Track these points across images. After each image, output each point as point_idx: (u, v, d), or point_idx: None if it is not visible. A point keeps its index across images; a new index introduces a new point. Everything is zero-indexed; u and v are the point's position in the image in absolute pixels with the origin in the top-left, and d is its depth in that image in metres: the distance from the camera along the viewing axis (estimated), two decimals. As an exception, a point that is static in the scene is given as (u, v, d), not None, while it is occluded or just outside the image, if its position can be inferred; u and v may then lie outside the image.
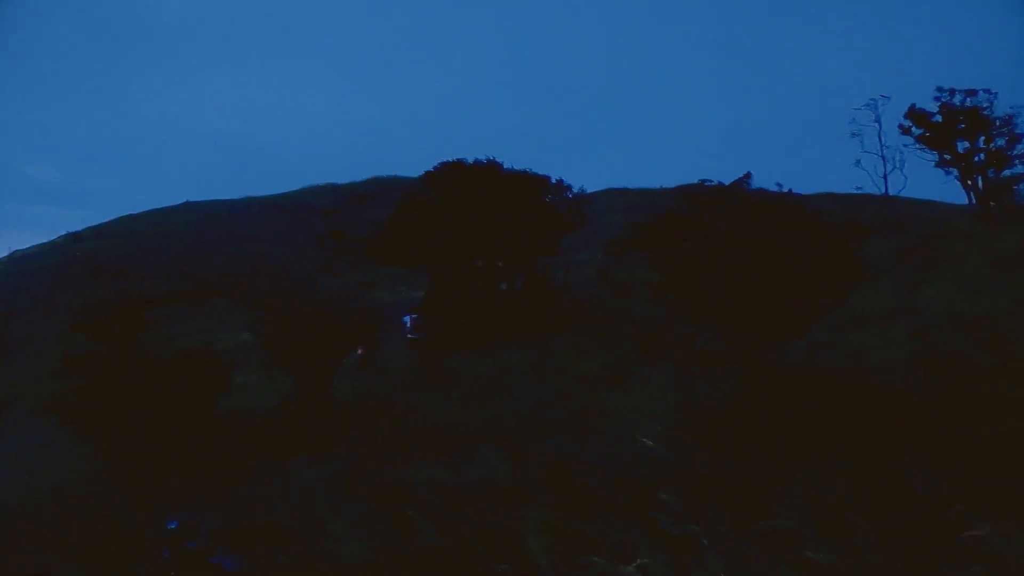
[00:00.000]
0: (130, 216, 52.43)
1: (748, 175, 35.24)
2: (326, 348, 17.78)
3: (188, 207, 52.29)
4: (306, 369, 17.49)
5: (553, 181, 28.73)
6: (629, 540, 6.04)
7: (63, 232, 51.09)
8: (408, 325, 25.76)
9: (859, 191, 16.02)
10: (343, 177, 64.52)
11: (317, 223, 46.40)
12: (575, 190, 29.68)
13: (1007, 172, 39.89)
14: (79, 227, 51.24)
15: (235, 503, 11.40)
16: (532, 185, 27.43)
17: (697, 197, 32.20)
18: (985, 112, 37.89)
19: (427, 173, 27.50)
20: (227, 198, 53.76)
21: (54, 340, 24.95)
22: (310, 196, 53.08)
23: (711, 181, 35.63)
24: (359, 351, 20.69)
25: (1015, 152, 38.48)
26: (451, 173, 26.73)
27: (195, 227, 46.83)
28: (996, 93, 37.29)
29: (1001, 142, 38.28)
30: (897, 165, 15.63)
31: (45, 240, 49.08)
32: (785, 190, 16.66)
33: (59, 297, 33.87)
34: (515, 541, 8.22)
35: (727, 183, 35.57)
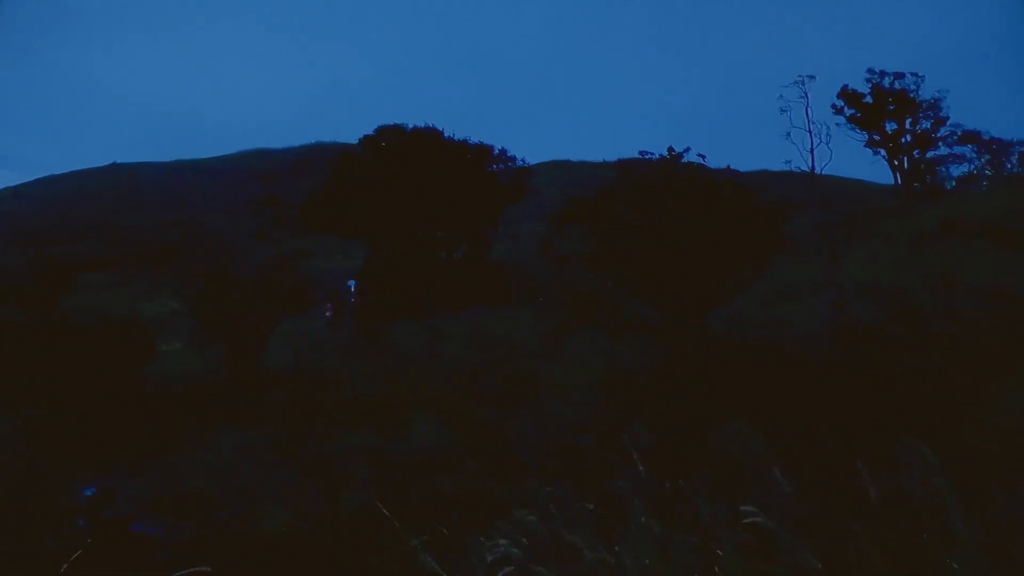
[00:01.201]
0: (51, 177, 50.07)
1: (686, 150, 35.77)
2: (257, 316, 17.42)
3: (114, 169, 50.16)
4: (236, 337, 17.11)
5: (496, 151, 28.58)
6: (556, 499, 6.15)
7: (-23, 193, 48.42)
8: (352, 288, 25.50)
9: (788, 164, 16.52)
10: (279, 144, 62.81)
11: (252, 189, 45.14)
12: (518, 161, 29.61)
13: (931, 154, 41.57)
14: (-5, 188, 48.65)
15: (158, 472, 11.15)
16: (474, 154, 27.25)
17: (635, 170, 32.53)
18: (912, 95, 39.28)
19: (365, 137, 27.01)
20: (156, 160, 51.78)
21: (-33, 306, 23.71)
22: (244, 161, 51.52)
23: (650, 154, 36.07)
24: (328, 310, 20.43)
25: (939, 134, 40.12)
26: (390, 138, 26.30)
27: (122, 190, 44.99)
28: (923, 76, 38.70)
29: (926, 124, 39.83)
30: (823, 140, 16.11)
31: (-43, 201, 46.51)
32: (717, 166, 17.05)
33: (-27, 261, 32.19)
34: (441, 508, 8.29)
35: (666, 156, 36.06)
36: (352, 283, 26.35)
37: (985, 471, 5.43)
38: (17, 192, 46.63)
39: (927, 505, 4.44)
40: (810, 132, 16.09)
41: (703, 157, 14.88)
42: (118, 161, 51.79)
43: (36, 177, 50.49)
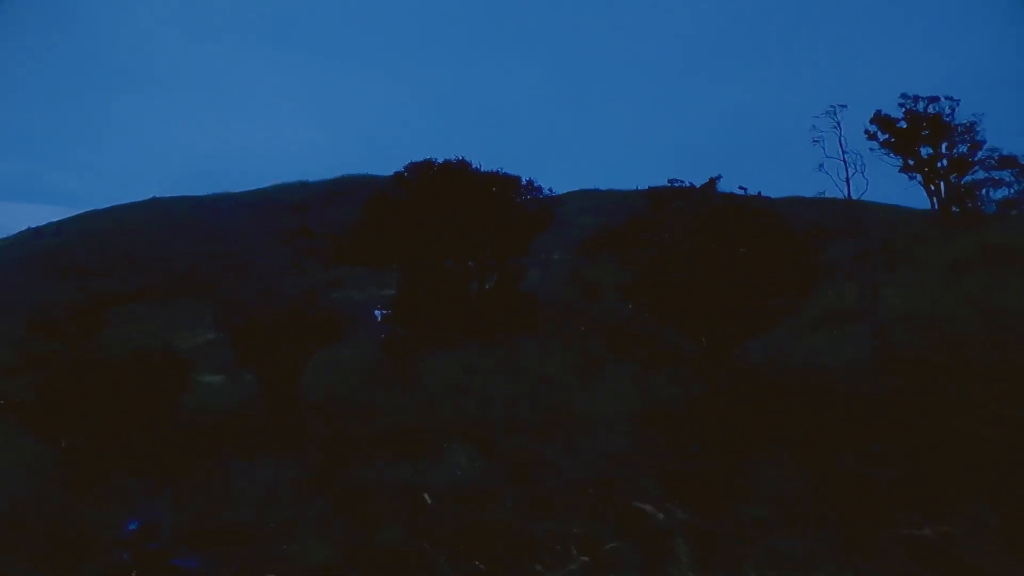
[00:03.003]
0: (93, 212, 51.38)
1: (717, 177, 35.64)
2: (292, 347, 17.57)
3: (153, 204, 51.35)
4: (272, 368, 17.27)
5: (524, 182, 28.73)
6: (596, 534, 6.07)
7: (23, 228, 49.89)
8: (379, 319, 25.69)
9: (822, 195, 16.40)
10: (314, 176, 63.91)
11: (285, 220, 45.85)
12: (545, 191, 29.71)
13: (968, 178, 40.87)
14: (41, 223, 50.04)
15: (197, 503, 11.22)
16: (502, 185, 27.42)
17: (665, 198, 32.46)
18: (947, 119, 38.79)
19: (396, 174, 27.34)
20: (194, 194, 52.92)
21: (12, 339, 24.32)
22: (278, 193, 52.44)
23: (680, 182, 35.98)
24: (382, 313, 20.69)
25: (976, 158, 39.47)
26: (421, 172, 26.59)
27: (160, 224, 46.01)
28: (958, 100, 38.22)
29: (963, 148, 39.23)
30: (859, 169, 15.95)
31: (4, 235, 47.92)
32: (751, 193, 16.95)
33: (17, 295, 33.06)
34: (481, 541, 8.21)
35: (696, 185, 35.94)
36: (379, 313, 26.55)
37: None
38: (60, 228, 47.91)
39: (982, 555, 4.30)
40: (844, 161, 15.94)
41: (744, 189, 14.80)
42: (158, 196, 53.05)
43: (78, 212, 51.89)
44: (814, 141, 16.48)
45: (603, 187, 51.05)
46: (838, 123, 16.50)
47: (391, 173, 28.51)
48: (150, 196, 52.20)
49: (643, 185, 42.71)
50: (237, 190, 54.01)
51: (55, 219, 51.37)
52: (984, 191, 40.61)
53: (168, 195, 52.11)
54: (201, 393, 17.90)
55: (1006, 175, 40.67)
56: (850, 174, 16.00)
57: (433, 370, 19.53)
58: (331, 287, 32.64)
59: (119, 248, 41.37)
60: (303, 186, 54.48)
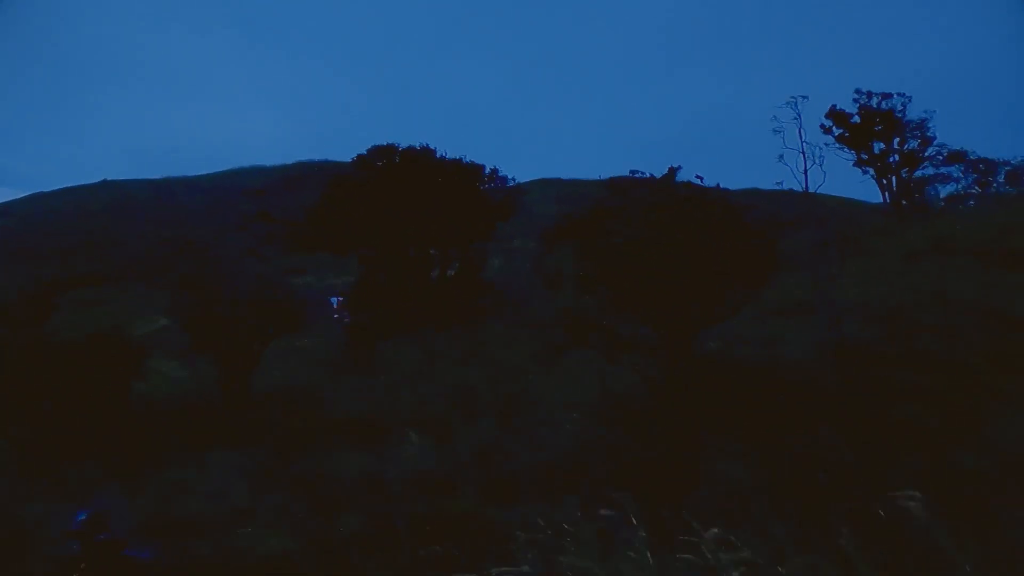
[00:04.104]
0: (42, 194, 49.79)
1: (677, 168, 36.01)
2: (249, 334, 17.31)
3: (105, 186, 49.95)
4: (228, 356, 16.99)
5: (487, 170, 28.70)
6: (554, 520, 6.12)
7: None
8: (335, 305, 25.48)
9: (779, 186, 16.71)
10: (271, 161, 62.83)
11: (243, 206, 45.04)
12: (508, 180, 29.74)
13: (919, 173, 42.05)
14: (-15, 204, 48.26)
15: (149, 493, 11.01)
16: (465, 173, 27.34)
17: (626, 188, 32.69)
18: (899, 115, 39.79)
19: (359, 156, 27.06)
20: (148, 177, 51.60)
21: (-46, 323, 23.46)
22: (236, 178, 51.43)
23: (641, 173, 36.28)
24: (339, 300, 20.59)
25: (926, 154, 40.60)
26: (383, 157, 26.36)
27: (113, 207, 44.81)
28: (910, 97, 39.24)
29: (914, 144, 40.31)
30: (817, 161, 16.27)
31: (-53, 217, 46.06)
32: (709, 184, 17.16)
33: (-39, 278, 31.95)
34: (440, 527, 8.21)
35: (656, 176, 36.26)
36: (335, 300, 26.36)
37: (985, 497, 5.44)
38: (7, 209, 46.33)
39: (924, 529, 4.43)
40: (803, 153, 16.23)
41: (700, 178, 14.92)
42: (109, 178, 51.60)
43: (27, 194, 50.22)
44: (775, 131, 16.74)
45: (567, 177, 51.19)
46: (799, 114, 16.78)
47: (352, 159, 28.23)
48: (100, 179, 50.77)
49: (606, 175, 43.01)
50: (191, 173, 52.89)
51: (2, 201, 49.64)
52: (933, 187, 41.89)
53: (119, 178, 50.74)
54: (154, 381, 17.55)
55: (954, 170, 42.01)
56: (808, 166, 16.30)
57: (393, 358, 19.43)
58: (291, 273, 32.24)
59: (70, 231, 40.22)
60: (260, 171, 53.55)
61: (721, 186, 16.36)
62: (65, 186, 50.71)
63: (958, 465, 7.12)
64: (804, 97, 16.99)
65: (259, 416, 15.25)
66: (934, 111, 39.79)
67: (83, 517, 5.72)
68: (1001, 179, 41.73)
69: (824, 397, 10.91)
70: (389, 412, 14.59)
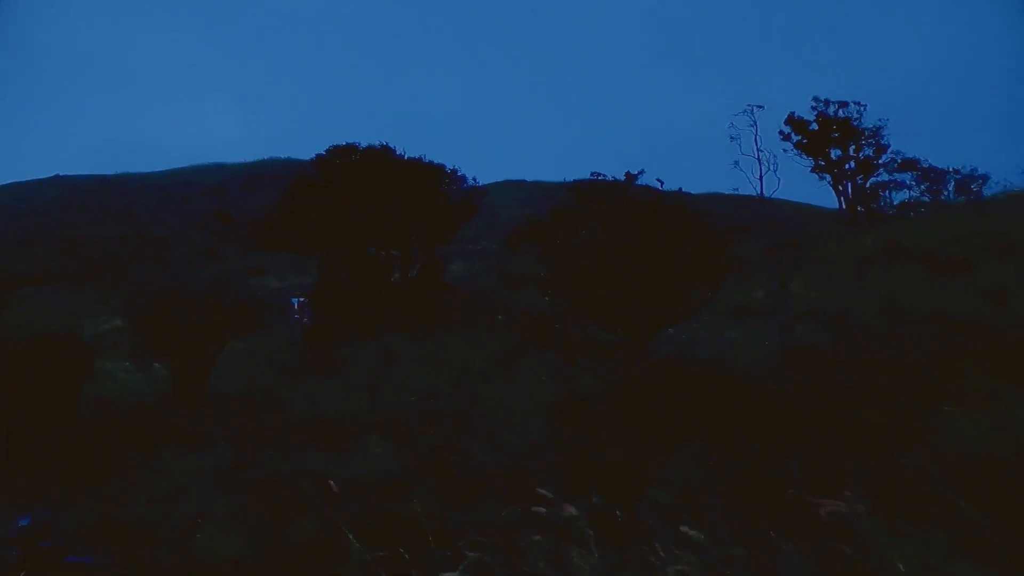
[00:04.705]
0: (-11, 188, 48.20)
1: (639, 172, 36.49)
2: (205, 334, 17.01)
3: (57, 181, 48.56)
4: (182, 358, 16.68)
5: (448, 170, 28.66)
6: (508, 522, 6.14)
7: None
8: (295, 307, 25.20)
9: (736, 191, 17.18)
10: (232, 159, 61.73)
11: (202, 203, 44.24)
12: (470, 181, 29.75)
13: (873, 179, 43.24)
14: (-71, 198, 46.50)
15: (97, 499, 10.75)
16: (427, 173, 27.25)
17: (588, 192, 32.97)
18: (855, 123, 40.87)
19: (318, 156, 26.79)
20: (103, 173, 50.32)
21: None
22: (194, 175, 50.46)
23: (602, 175, 36.67)
24: (299, 301, 20.42)
25: (880, 161, 41.79)
26: (343, 156, 26.14)
27: (65, 203, 43.61)
28: (865, 106, 40.35)
29: (868, 151, 41.44)
30: (772, 168, 16.73)
31: None
32: (670, 189, 17.50)
33: (-98, 275, 30.83)
34: (395, 529, 8.17)
35: (618, 179, 36.67)
36: (295, 300, 26.09)
37: (924, 497, 5.62)
38: (-48, 203, 44.76)
39: (866, 530, 4.57)
40: (759, 160, 16.61)
41: (661, 182, 15.24)
42: (61, 173, 50.20)
43: (-28, 188, 48.47)
44: (731, 139, 17.14)
45: (531, 179, 51.35)
46: (755, 122, 17.18)
47: (313, 156, 27.94)
48: (52, 174, 49.39)
49: (571, 177, 43.32)
50: (150, 170, 51.72)
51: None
52: (887, 193, 43.14)
53: (73, 173, 49.41)
54: (106, 383, 17.14)
55: (907, 178, 43.32)
56: (763, 172, 16.70)
57: (352, 360, 19.28)
58: (250, 274, 31.76)
59: (20, 227, 39.03)
60: (221, 168, 52.63)
61: (682, 190, 16.61)
62: (13, 181, 49.21)
63: (902, 466, 7.34)
64: (760, 106, 17.44)
65: (215, 418, 14.98)
66: (887, 119, 41.01)
67: (25, 523, 5.59)
68: (951, 188, 43.14)
69: (777, 400, 11.14)
70: (348, 414, 14.47)
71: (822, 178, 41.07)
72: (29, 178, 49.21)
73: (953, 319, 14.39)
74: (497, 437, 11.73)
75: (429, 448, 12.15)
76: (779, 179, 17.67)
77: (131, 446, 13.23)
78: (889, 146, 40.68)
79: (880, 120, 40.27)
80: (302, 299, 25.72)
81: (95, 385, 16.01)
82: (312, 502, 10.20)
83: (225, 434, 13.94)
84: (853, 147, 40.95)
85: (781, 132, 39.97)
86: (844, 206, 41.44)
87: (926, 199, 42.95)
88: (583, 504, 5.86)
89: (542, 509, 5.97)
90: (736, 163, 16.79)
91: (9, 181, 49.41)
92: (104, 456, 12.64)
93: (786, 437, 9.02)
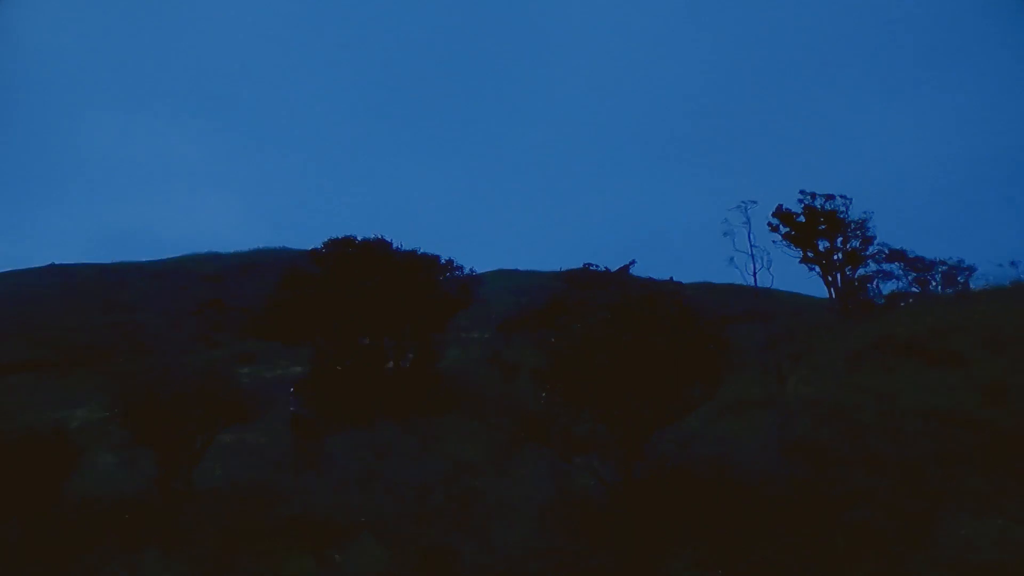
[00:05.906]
0: (-15, 277, 48.32)
1: (631, 263, 36.94)
2: (194, 426, 16.69)
3: (52, 270, 48.74)
4: (169, 451, 16.30)
5: (443, 261, 28.95)
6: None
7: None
8: (292, 396, 24.85)
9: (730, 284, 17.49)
10: (228, 248, 62.34)
11: (196, 291, 44.28)
12: (465, 270, 30.00)
13: (861, 270, 43.82)
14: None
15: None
16: (421, 264, 27.52)
17: (582, 282, 33.27)
18: (841, 215, 41.83)
19: (315, 251, 27.08)
20: (98, 262, 50.58)
21: None
22: (190, 264, 50.73)
23: (596, 266, 37.08)
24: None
25: (868, 252, 42.51)
26: (339, 249, 26.43)
27: (59, 291, 43.62)
28: (851, 199, 41.38)
29: (856, 243, 42.21)
30: (765, 264, 17.03)
31: None
32: (661, 278, 17.73)
33: None
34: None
35: (612, 269, 37.11)
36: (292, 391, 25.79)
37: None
38: (-54, 290, 44.72)
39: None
40: (752, 256, 16.85)
41: (669, 281, 15.40)
42: (56, 262, 50.46)
43: (-32, 275, 48.59)
44: (724, 234, 17.45)
45: (524, 268, 51.80)
46: (748, 219, 17.55)
47: (308, 247, 28.24)
48: (48, 263, 49.61)
49: (562, 267, 43.84)
50: (144, 259, 52.04)
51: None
52: (875, 283, 43.65)
53: (69, 262, 49.66)
54: (91, 476, 16.69)
55: (895, 268, 43.97)
56: (757, 268, 16.94)
57: (344, 453, 18.88)
58: (242, 362, 31.48)
59: (12, 315, 38.88)
60: (216, 257, 52.92)
61: (673, 279, 16.79)
62: (10, 269, 49.36)
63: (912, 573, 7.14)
64: (754, 202, 17.84)
65: (200, 515, 14.53)
66: (873, 212, 42.00)
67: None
68: (938, 278, 43.73)
69: (779, 501, 10.92)
70: (339, 511, 14.07)
71: (812, 269, 41.64)
72: (24, 267, 49.49)
73: (951, 416, 14.33)
74: (492, 537, 11.40)
75: (422, 548, 11.77)
76: (772, 276, 17.93)
77: (112, 544, 12.79)
78: (875, 237, 41.45)
79: (865, 212, 41.22)
80: (292, 389, 25.47)
81: (80, 479, 15.58)
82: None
83: (207, 533, 13.48)
84: (840, 239, 41.70)
85: (769, 224, 40.74)
86: (835, 296, 41.82)
87: (915, 290, 43.42)
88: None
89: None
90: (731, 259, 17.06)
91: (6, 270, 49.63)
92: (85, 554, 12.21)
93: (791, 543, 8.80)
